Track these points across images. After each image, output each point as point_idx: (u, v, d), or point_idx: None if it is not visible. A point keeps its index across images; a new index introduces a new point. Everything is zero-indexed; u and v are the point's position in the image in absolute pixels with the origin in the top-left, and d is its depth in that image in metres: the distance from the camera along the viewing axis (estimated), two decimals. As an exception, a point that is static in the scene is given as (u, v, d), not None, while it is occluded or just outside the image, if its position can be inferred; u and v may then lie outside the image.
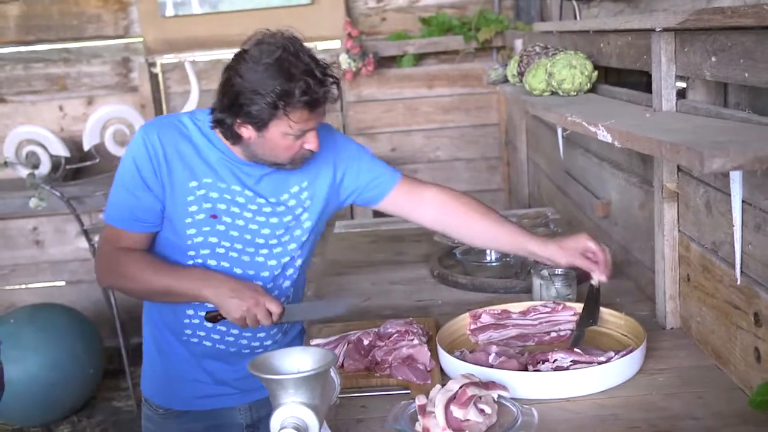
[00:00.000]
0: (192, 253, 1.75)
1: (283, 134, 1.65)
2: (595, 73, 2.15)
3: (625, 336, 1.75)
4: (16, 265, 4.56)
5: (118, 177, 1.74)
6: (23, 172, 3.80)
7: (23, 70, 4.57)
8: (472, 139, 4.53)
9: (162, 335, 1.85)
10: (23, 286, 4.58)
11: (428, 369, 1.65)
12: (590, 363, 1.57)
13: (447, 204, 1.90)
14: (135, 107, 4.22)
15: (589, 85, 2.15)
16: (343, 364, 1.68)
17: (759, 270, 1.43)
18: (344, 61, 4.25)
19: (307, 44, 1.66)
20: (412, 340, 1.68)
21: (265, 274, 1.80)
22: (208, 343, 1.81)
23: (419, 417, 1.42)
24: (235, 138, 1.69)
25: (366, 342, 1.70)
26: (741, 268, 1.48)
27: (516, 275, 2.23)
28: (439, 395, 1.42)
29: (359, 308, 2.17)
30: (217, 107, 1.67)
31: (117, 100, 4.37)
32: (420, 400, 1.44)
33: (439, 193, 1.91)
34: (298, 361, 1.32)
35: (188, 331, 1.81)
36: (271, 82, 1.57)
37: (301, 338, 1.95)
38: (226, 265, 1.77)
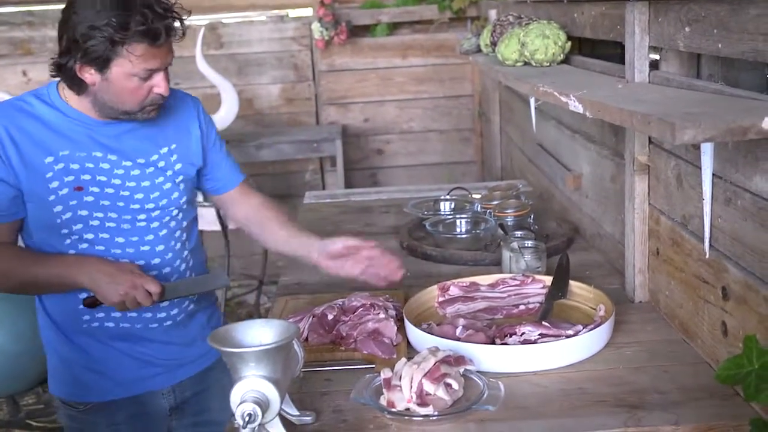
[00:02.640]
0: (65, 231, 1.66)
1: (127, 75, 1.55)
2: (569, 43, 2.12)
3: (594, 309, 1.74)
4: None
5: None
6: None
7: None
8: (445, 111, 4.49)
9: (60, 330, 1.75)
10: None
11: (394, 343, 1.62)
12: (558, 336, 1.55)
13: (253, 215, 1.91)
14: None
15: (562, 56, 2.12)
16: (307, 338, 1.65)
17: (728, 244, 1.42)
18: (316, 29, 4.19)
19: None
20: (378, 313, 1.66)
21: (150, 237, 1.72)
22: (111, 324, 1.72)
23: (384, 390, 1.40)
24: (80, 86, 1.59)
25: (330, 317, 1.67)
26: (710, 242, 1.47)
27: (486, 248, 2.21)
28: (406, 368, 1.40)
29: (327, 279, 2.13)
30: (59, 52, 1.57)
31: (83, 65, 4.26)
32: (385, 373, 1.42)
33: (261, 207, 1.92)
34: (260, 334, 1.29)
35: (86, 317, 1.71)
36: (106, 14, 1.48)
37: (215, 306, 1.91)
38: (106, 236, 1.68)
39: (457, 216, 2.40)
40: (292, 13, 4.38)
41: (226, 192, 1.92)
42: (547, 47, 2.09)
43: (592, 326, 1.59)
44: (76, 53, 1.53)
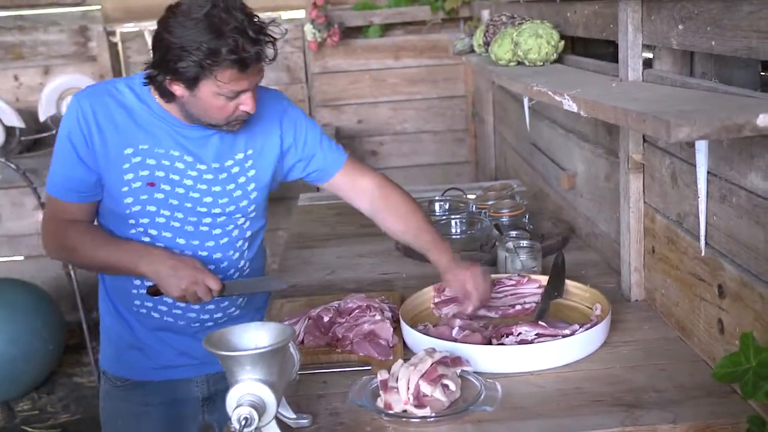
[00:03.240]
0: (132, 221, 1.71)
1: (214, 94, 1.57)
2: (562, 42, 2.12)
3: (590, 308, 1.74)
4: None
5: (55, 148, 1.70)
6: (-25, 143, 3.69)
7: (-24, 38, 4.42)
8: (439, 111, 4.49)
9: (114, 305, 1.82)
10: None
11: (390, 345, 1.62)
12: (554, 336, 1.55)
13: (379, 199, 1.86)
14: (94, 77, 4.10)
15: (555, 55, 2.12)
16: (303, 340, 1.65)
17: (723, 241, 1.42)
18: (309, 31, 4.18)
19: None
20: (374, 315, 1.65)
21: (210, 243, 1.75)
22: (156, 315, 1.78)
23: (381, 392, 1.39)
24: (169, 96, 1.63)
25: (326, 318, 1.67)
26: (705, 239, 1.47)
27: (481, 248, 2.20)
28: (403, 369, 1.39)
29: (323, 281, 2.14)
30: (150, 63, 1.61)
31: (75, 70, 4.25)
32: (382, 375, 1.42)
33: (375, 187, 1.86)
34: (255, 337, 1.29)
35: (137, 302, 1.77)
36: (198, 39, 1.50)
37: (261, 313, 1.91)
38: (168, 235, 1.71)
39: (452, 216, 2.40)
40: (285, 15, 4.37)
41: (332, 177, 1.86)
42: (540, 47, 2.09)
43: (589, 325, 1.59)
44: (166, 70, 1.56)
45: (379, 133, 4.54)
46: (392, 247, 2.35)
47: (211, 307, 1.78)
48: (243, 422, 1.20)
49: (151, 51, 1.61)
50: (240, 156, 1.75)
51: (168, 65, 1.55)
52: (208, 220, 1.73)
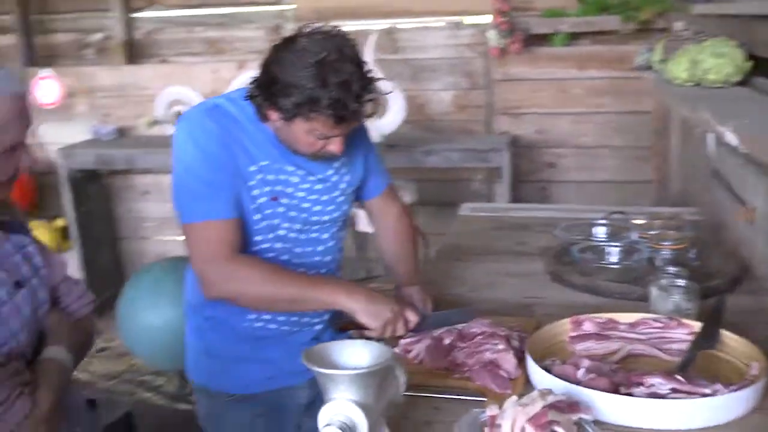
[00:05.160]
0: (259, 238, 1.71)
1: (306, 132, 1.60)
2: (749, 63, 1.90)
3: (746, 365, 1.54)
4: (166, 218, 4.79)
5: (189, 173, 1.63)
6: (171, 130, 3.95)
7: (185, 33, 4.77)
8: (622, 127, 4.24)
9: (215, 322, 1.80)
10: (173, 238, 4.80)
11: (511, 377, 1.52)
12: (691, 394, 1.38)
13: (393, 226, 1.99)
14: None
15: (739, 77, 1.91)
16: (422, 360, 1.59)
17: None
18: (492, 37, 4.10)
19: (369, 46, 1.58)
20: (497, 344, 1.56)
21: (320, 248, 1.80)
22: (273, 326, 1.78)
23: (487, 428, 1.31)
24: (264, 118, 1.65)
25: (447, 341, 1.60)
26: None
27: (635, 280, 2.03)
28: (510, 409, 1.30)
29: (460, 298, 2.06)
30: (255, 82, 1.62)
31: (266, 66, 4.45)
32: (492, 410, 1.33)
33: (396, 217, 1.99)
34: (356, 355, 1.25)
35: (251, 316, 1.77)
36: (303, 83, 1.52)
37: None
38: (288, 246, 1.74)
39: (610, 243, 2.23)
40: (469, 19, 4.32)
41: (372, 198, 1.96)
42: (722, 67, 1.89)
43: (738, 386, 1.40)
44: (266, 97, 1.59)
45: (558, 144, 4.37)
46: (542, 269, 2.23)
47: (326, 317, 1.78)
48: (332, 442, 1.17)
49: (259, 70, 1.61)
50: (337, 164, 1.80)
51: (270, 95, 1.57)
52: (317, 227, 1.79)
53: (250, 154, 1.66)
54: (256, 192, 1.67)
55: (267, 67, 1.59)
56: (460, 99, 4.44)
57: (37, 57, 4.88)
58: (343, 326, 1.70)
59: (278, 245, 1.73)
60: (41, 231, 4.50)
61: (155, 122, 3.99)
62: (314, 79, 1.52)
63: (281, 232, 1.73)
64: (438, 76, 4.43)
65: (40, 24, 4.90)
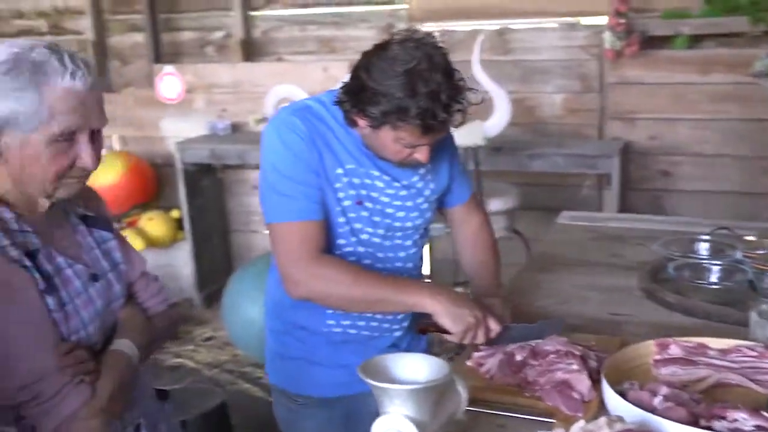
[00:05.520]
0: (342, 241, 1.71)
1: (393, 140, 1.60)
2: None
3: None
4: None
5: (276, 173, 1.64)
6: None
7: (299, 32, 4.87)
8: (746, 135, 4.00)
9: (294, 326, 1.81)
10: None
11: (585, 399, 1.46)
12: (777, 433, 1.28)
13: (471, 237, 1.97)
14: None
15: None
16: (492, 376, 1.56)
17: None
18: (607, 39, 3.97)
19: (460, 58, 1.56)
20: (571, 363, 1.50)
21: (402, 254, 1.80)
22: (353, 331, 1.79)
23: (549, 453, 1.26)
24: (352, 123, 1.65)
25: (519, 357, 1.56)
26: None
27: (735, 303, 1.91)
28: (575, 434, 1.25)
29: (545, 311, 2.00)
30: (344, 87, 1.62)
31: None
32: (557, 433, 1.29)
33: (478, 227, 1.96)
34: (414, 369, 1.24)
35: (331, 322, 1.78)
36: (392, 92, 1.51)
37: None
38: (370, 250, 1.75)
39: (711, 262, 2.11)
40: (585, 20, 4.19)
41: (454, 206, 1.95)
42: (842, 77, 1.74)
43: (832, 428, 1.29)
44: (355, 103, 1.59)
45: (674, 152, 4.17)
46: (634, 285, 2.13)
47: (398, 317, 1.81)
48: (383, 456, 1.16)
49: (350, 75, 1.61)
50: (422, 171, 1.79)
51: (358, 102, 1.57)
52: (400, 234, 1.79)
53: (337, 157, 1.68)
54: (341, 195, 1.68)
55: (357, 73, 1.58)
56: (571, 102, 4.32)
57: (163, 54, 5.12)
58: (423, 328, 1.68)
59: (360, 249, 1.73)
60: (158, 221, 4.72)
61: (263, 119, 4.09)
62: (403, 89, 1.51)
63: (364, 237, 1.73)
64: (549, 79, 4.32)
65: (167, 22, 5.14)
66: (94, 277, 1.46)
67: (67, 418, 1.37)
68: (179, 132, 4.83)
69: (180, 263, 4.70)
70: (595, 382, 1.50)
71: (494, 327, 1.61)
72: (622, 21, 3.90)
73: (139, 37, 5.18)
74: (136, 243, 4.52)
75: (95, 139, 1.37)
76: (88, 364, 1.39)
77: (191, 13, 5.11)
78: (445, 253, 3.65)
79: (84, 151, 1.34)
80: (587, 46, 4.20)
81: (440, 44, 1.58)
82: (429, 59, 1.52)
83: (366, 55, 1.59)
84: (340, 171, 1.68)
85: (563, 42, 4.27)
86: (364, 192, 1.70)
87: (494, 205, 3.68)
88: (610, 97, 4.20)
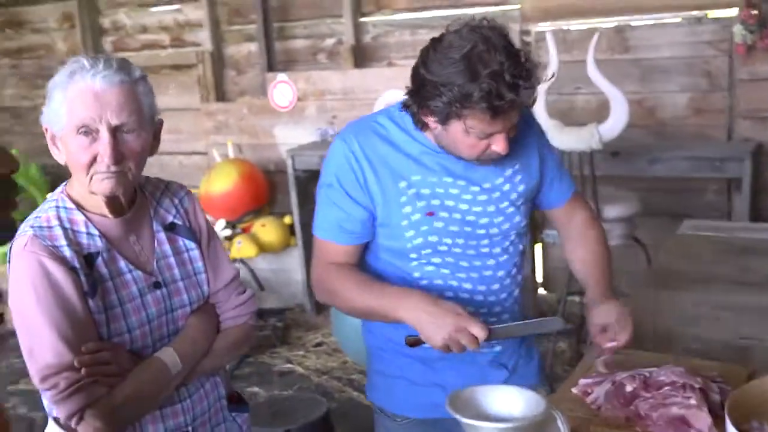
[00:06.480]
0: (414, 255, 1.66)
1: (463, 132, 1.52)
2: None
3: None
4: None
5: (322, 191, 1.68)
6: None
7: (410, 36, 4.82)
8: None
9: (391, 343, 1.75)
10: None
11: (704, 438, 1.32)
12: None
13: (577, 233, 1.84)
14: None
15: None
16: (600, 406, 1.43)
17: None
18: (738, 32, 3.69)
19: (516, 34, 1.43)
20: (689, 397, 1.35)
21: (491, 262, 1.69)
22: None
23: (661, 502, 1.13)
24: (422, 125, 1.59)
25: (629, 388, 1.42)
26: None
27: None
28: (690, 482, 1.11)
29: (662, 333, 1.84)
30: (408, 91, 1.57)
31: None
32: (669, 479, 1.15)
33: (582, 223, 1.84)
34: (506, 403, 1.15)
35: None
36: (452, 81, 1.45)
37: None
38: (451, 260, 1.66)
39: None
40: (712, 13, 3.91)
41: (555, 207, 1.84)
42: None
43: None
44: (419, 102, 1.55)
45: (813, 154, 3.83)
46: (767, 304, 1.94)
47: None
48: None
49: (411, 78, 1.55)
50: (509, 172, 1.69)
51: (421, 99, 1.52)
52: (485, 241, 1.68)
53: (398, 171, 1.63)
54: (407, 209, 1.63)
55: (416, 71, 1.54)
56: (696, 102, 4.05)
57: (276, 62, 5.19)
58: (412, 342, 1.57)
59: (437, 260, 1.66)
60: (270, 227, 4.78)
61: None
62: (463, 75, 1.45)
63: (442, 248, 1.66)
64: (671, 77, 4.06)
65: (280, 31, 5.20)
66: (156, 285, 1.48)
67: (72, 414, 1.36)
68: (291, 139, 4.88)
69: (292, 269, 4.74)
70: (718, 419, 1.35)
71: (479, 333, 1.47)
72: (755, 12, 3.61)
73: (253, 47, 5.27)
74: (250, 249, 4.59)
75: (120, 136, 1.39)
76: (110, 366, 1.38)
77: (303, 21, 5.15)
78: (561, 261, 3.49)
79: (102, 146, 1.38)
80: (714, 41, 3.93)
81: (498, 25, 1.50)
82: (486, 41, 1.45)
83: (423, 51, 1.53)
84: (403, 185, 1.63)
85: (688, 38, 4.00)
86: (436, 202, 1.64)
87: (611, 212, 3.49)
88: (741, 95, 3.91)
